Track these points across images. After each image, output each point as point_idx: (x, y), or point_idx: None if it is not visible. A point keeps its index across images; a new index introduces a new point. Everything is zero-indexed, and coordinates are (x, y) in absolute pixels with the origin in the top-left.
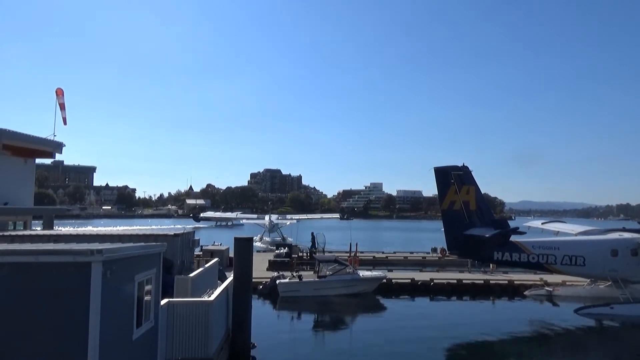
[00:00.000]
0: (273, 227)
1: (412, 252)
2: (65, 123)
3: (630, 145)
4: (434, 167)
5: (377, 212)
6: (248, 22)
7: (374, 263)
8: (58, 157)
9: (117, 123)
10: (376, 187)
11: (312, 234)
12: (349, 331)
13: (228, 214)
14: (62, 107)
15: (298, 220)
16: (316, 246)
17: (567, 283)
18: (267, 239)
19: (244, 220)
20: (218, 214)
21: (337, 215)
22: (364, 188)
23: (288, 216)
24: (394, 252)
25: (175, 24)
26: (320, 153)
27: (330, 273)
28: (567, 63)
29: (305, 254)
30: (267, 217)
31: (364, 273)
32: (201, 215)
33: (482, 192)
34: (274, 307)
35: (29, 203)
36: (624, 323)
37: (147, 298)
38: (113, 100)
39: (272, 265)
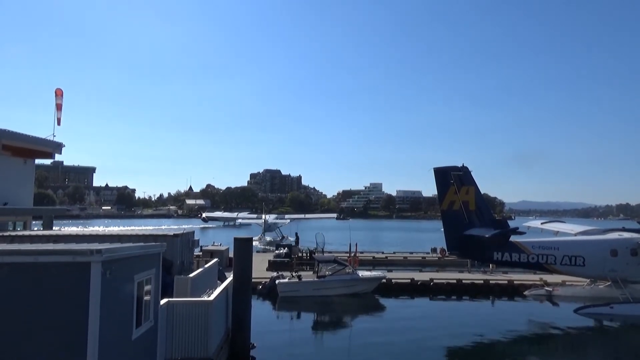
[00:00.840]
0: (269, 227)
1: (411, 252)
2: (59, 123)
3: (630, 146)
4: (434, 168)
5: (377, 212)
6: (248, 22)
7: (373, 263)
8: (57, 157)
9: (117, 123)
10: (376, 187)
11: (296, 234)
12: (348, 331)
13: (234, 214)
14: (59, 107)
15: (291, 220)
16: (299, 246)
17: (567, 283)
18: (268, 238)
19: (240, 220)
20: (226, 214)
21: (333, 215)
22: (364, 188)
23: (286, 216)
24: (394, 252)
25: (175, 24)
26: (320, 153)
27: (330, 273)
28: (567, 63)
29: (305, 254)
30: (263, 217)
31: (363, 273)
32: (205, 215)
33: (482, 192)
34: (274, 307)
35: (29, 203)
36: (624, 323)
37: (146, 298)
38: (113, 100)
39: (272, 265)
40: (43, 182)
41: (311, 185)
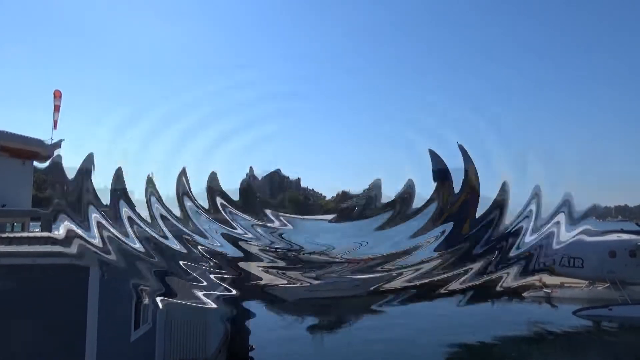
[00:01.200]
0: None
1: None
2: (55, 127)
3: (629, 146)
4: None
5: None
6: (248, 22)
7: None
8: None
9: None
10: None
11: (291, 236)
12: (347, 332)
13: None
14: (57, 109)
15: (289, 221)
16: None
17: (566, 285)
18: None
19: None
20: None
21: (332, 216)
22: (363, 190)
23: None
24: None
25: (175, 24)
26: (320, 153)
27: (329, 274)
28: (567, 63)
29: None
30: None
31: (362, 274)
32: None
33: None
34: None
35: (27, 205)
36: (623, 325)
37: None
38: (112, 100)
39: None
40: (42, 184)
41: (310, 187)
